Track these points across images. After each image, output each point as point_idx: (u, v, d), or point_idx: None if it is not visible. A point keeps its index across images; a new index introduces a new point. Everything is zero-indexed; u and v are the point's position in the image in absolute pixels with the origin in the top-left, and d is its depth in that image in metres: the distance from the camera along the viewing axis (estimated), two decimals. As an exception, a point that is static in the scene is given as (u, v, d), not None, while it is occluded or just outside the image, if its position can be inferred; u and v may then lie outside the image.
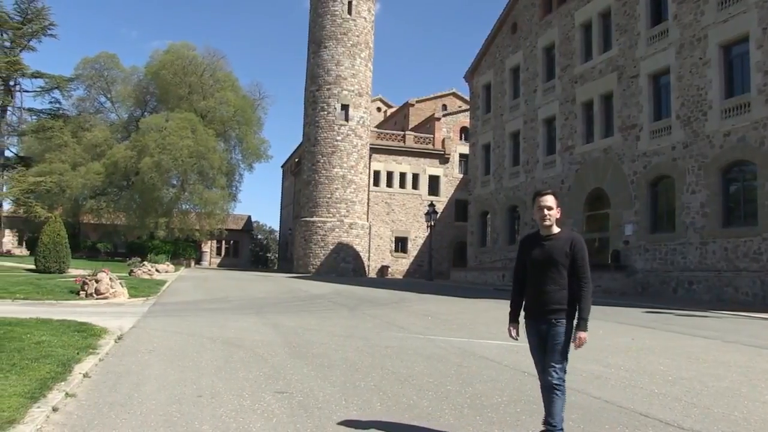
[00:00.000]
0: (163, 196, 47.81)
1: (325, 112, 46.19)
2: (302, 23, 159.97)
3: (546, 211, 4.37)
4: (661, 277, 24.22)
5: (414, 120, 56.46)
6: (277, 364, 7.70)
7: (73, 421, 4.94)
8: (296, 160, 60.74)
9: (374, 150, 49.30)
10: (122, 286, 16.98)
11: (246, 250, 76.03)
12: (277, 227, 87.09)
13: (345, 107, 46.37)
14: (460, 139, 52.33)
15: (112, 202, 49.78)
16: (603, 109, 28.81)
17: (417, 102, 58.25)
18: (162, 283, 23.21)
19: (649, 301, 21.45)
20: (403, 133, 52.60)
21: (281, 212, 75.36)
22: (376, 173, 49.73)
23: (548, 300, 4.29)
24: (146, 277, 26.16)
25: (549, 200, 4.39)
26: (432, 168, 51.67)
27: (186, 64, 49.09)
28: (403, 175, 50.86)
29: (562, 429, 4.28)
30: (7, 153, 47.87)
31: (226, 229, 57.04)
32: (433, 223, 41.47)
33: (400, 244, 50.84)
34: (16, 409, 4.85)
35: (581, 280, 4.32)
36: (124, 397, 5.78)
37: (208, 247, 68.69)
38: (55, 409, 5.14)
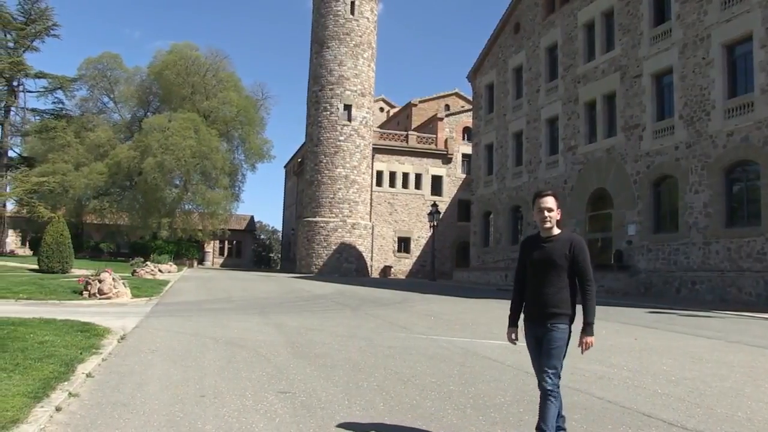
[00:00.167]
0: (166, 196, 47.87)
1: (328, 112, 46.20)
2: (305, 23, 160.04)
3: (546, 213, 4.30)
4: (664, 277, 24.18)
5: (417, 120, 56.45)
6: (280, 364, 7.71)
7: (77, 421, 4.95)
8: (299, 160, 60.80)
9: (377, 150, 49.31)
10: (125, 286, 16.99)
11: (249, 250, 76.10)
12: (279, 227, 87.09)
13: (348, 107, 46.38)
14: (463, 139, 52.31)
15: (115, 202, 49.89)
16: (606, 109, 28.78)
17: (420, 102, 58.25)
18: (165, 283, 23.23)
19: (652, 301, 21.42)
20: (405, 133, 52.59)
21: (284, 212, 75.40)
22: (379, 173, 49.73)
23: (546, 302, 4.22)
24: (149, 277, 26.18)
25: (549, 201, 4.31)
26: (435, 168, 51.66)
27: (189, 65, 49.18)
28: (405, 175, 50.86)
29: None
30: (11, 153, 48.02)
31: (229, 230, 57.14)
32: (435, 224, 41.46)
33: (403, 244, 50.84)
34: (19, 409, 4.86)
35: (584, 282, 4.26)
36: (127, 397, 5.79)
37: (211, 248, 68.76)
38: (58, 409, 5.15)
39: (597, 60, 29.44)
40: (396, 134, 52.70)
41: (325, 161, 45.90)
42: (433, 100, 58.96)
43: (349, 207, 45.74)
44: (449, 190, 51.74)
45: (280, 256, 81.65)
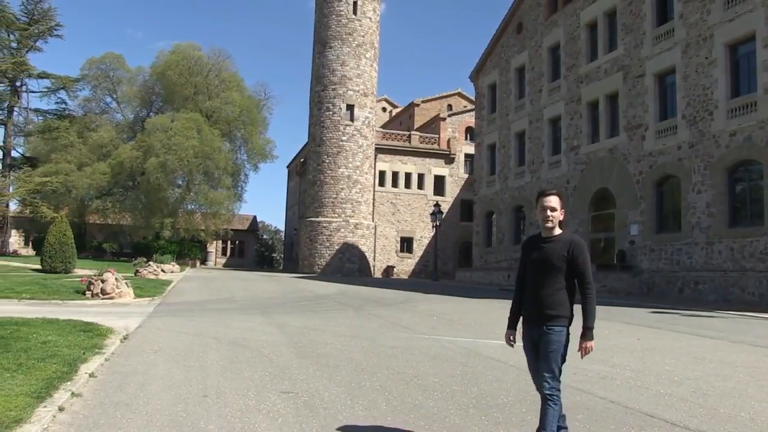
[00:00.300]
0: (168, 196, 47.93)
1: (331, 113, 46.21)
2: (307, 24, 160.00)
3: (549, 212, 4.23)
4: (667, 277, 24.15)
5: (419, 120, 56.45)
6: (283, 364, 7.71)
7: (80, 421, 4.96)
8: (301, 160, 60.84)
9: (379, 150, 49.30)
10: (128, 286, 17.02)
11: (251, 250, 76.16)
12: (282, 227, 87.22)
13: (350, 107, 46.39)
14: (466, 139, 52.29)
15: (117, 202, 49.97)
16: (608, 109, 28.75)
17: (422, 102, 58.26)
18: (167, 283, 23.26)
19: (654, 301, 21.40)
20: (408, 133, 52.57)
21: (287, 212, 75.47)
22: (382, 173, 49.72)
23: (543, 304, 4.14)
24: (152, 277, 26.22)
25: (553, 201, 4.24)
26: (437, 168, 51.64)
27: (191, 65, 49.23)
28: (408, 175, 50.85)
29: None
30: (14, 153, 48.18)
31: (232, 230, 57.16)
32: (438, 223, 41.44)
33: (406, 244, 50.82)
34: (23, 409, 4.88)
35: (583, 285, 4.16)
36: (130, 397, 5.79)
37: (214, 248, 68.85)
38: (61, 409, 5.16)
39: (600, 60, 29.41)
40: (398, 134, 52.69)
41: (327, 161, 45.91)
42: (436, 100, 58.97)
43: (352, 207, 45.74)
44: (452, 190, 51.72)
45: (282, 256, 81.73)
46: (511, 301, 4.54)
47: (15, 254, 46.26)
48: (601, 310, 16.18)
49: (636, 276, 25.45)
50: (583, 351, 4.13)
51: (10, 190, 43.28)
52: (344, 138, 45.94)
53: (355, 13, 46.90)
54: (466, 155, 51.45)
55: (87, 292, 16.22)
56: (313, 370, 7.36)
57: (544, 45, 34.05)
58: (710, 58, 23.16)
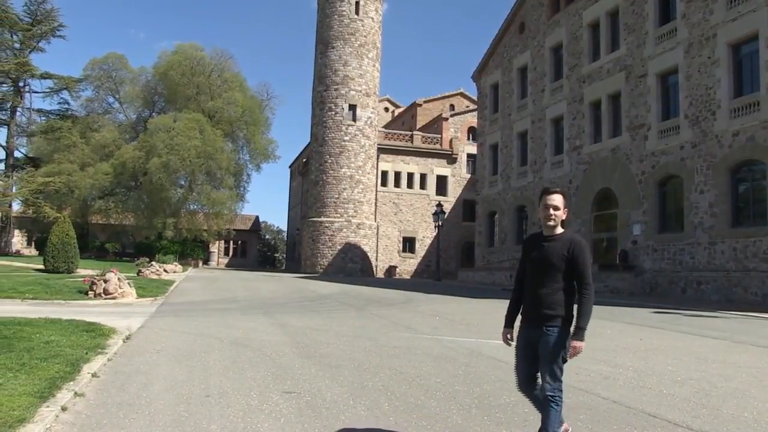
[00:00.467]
0: (171, 196, 47.95)
1: (333, 113, 46.24)
2: (310, 24, 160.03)
3: (552, 211, 4.16)
4: (670, 277, 24.12)
5: (421, 120, 56.45)
6: (285, 364, 7.71)
7: (82, 421, 4.97)
8: (304, 160, 60.84)
9: (382, 150, 49.32)
10: (130, 286, 17.03)
11: (254, 250, 76.20)
12: (284, 227, 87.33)
13: (352, 107, 46.41)
14: (468, 139, 52.29)
15: (120, 202, 49.99)
16: (611, 109, 28.73)
17: (424, 102, 58.26)
18: (170, 283, 23.27)
19: (657, 301, 21.37)
20: (410, 133, 52.57)
21: (289, 212, 75.49)
22: (384, 173, 49.73)
23: (541, 304, 4.09)
24: (154, 277, 26.25)
25: (556, 199, 4.18)
26: (440, 168, 51.64)
27: (194, 65, 49.23)
28: (410, 175, 50.85)
29: None
30: (17, 154, 48.19)
31: (234, 230, 57.17)
32: (440, 223, 41.44)
33: (408, 244, 50.83)
34: (26, 409, 4.88)
35: (581, 285, 4.08)
36: (133, 397, 5.80)
37: (216, 248, 68.91)
38: (64, 409, 5.17)
39: (602, 60, 29.38)
40: (401, 134, 52.70)
41: (330, 161, 45.93)
42: (438, 100, 58.96)
43: (354, 207, 45.76)
44: (454, 190, 51.72)
45: (285, 256, 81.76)
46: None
47: (18, 254, 46.34)
48: (603, 310, 16.20)
49: (638, 276, 25.42)
50: (572, 351, 4.02)
51: (13, 191, 43.32)
52: (346, 138, 45.96)
53: (357, 13, 46.93)
54: (469, 155, 51.45)
55: (90, 292, 16.23)
56: (316, 370, 7.37)
57: (547, 45, 34.03)
58: (713, 57, 23.13)
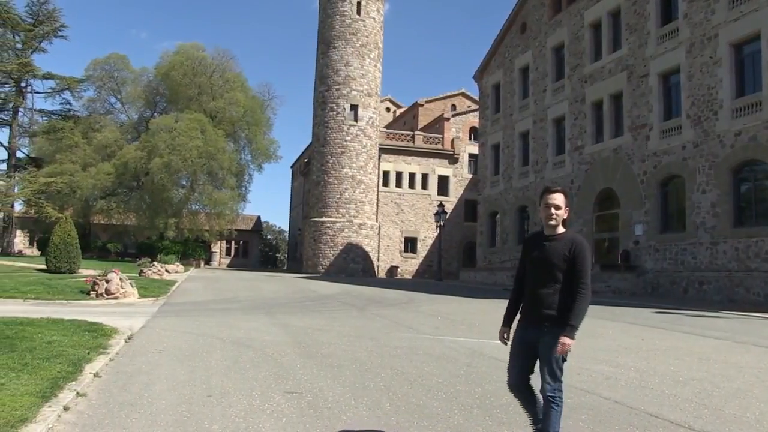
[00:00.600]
0: (172, 196, 47.97)
1: (335, 113, 46.24)
2: (311, 24, 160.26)
3: (553, 210, 4.10)
4: (672, 278, 24.10)
5: (423, 120, 56.43)
6: (287, 364, 7.71)
7: (84, 421, 4.97)
8: (305, 160, 60.83)
9: (383, 150, 49.32)
10: (132, 287, 17.05)
11: (255, 250, 76.18)
12: (286, 227, 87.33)
13: (354, 107, 46.41)
14: (470, 139, 52.28)
15: (122, 202, 50.03)
16: (613, 109, 28.71)
17: (426, 102, 58.22)
18: (171, 283, 23.29)
19: (659, 301, 21.35)
20: (412, 133, 52.59)
21: (291, 212, 75.49)
22: (386, 173, 49.74)
23: (541, 304, 4.04)
24: (156, 277, 26.25)
25: (558, 199, 4.11)
26: (441, 168, 51.63)
27: (195, 65, 49.24)
28: (412, 176, 50.86)
29: None
30: (19, 154, 48.32)
31: (236, 230, 57.18)
32: (442, 224, 41.43)
33: (410, 244, 50.82)
34: (28, 408, 4.89)
35: (578, 284, 3.97)
36: (135, 397, 5.81)
37: (218, 248, 68.89)
38: (66, 409, 5.17)
39: (604, 60, 29.36)
40: (402, 134, 52.70)
41: (331, 161, 45.94)
42: (440, 100, 58.92)
43: (356, 207, 45.77)
44: (456, 190, 51.71)
45: (286, 256, 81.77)
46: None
47: (20, 254, 46.39)
48: (605, 310, 16.18)
49: (640, 276, 25.40)
50: (560, 347, 3.91)
51: (16, 191, 43.42)
52: (348, 138, 45.97)
53: (358, 13, 46.93)
54: (470, 155, 51.45)
55: (91, 292, 16.25)
56: (317, 370, 7.37)
57: (548, 45, 34.02)
58: (715, 57, 23.10)
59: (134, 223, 50.61)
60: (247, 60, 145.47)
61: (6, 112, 47.16)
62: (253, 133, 51.90)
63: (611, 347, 9.60)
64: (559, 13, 33.39)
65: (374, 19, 47.86)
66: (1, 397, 5.13)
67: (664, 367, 8.02)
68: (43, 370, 6.35)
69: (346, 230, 45.30)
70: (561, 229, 4.17)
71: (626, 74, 27.65)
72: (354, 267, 44.80)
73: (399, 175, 50.41)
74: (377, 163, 48.11)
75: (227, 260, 71.67)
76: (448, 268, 46.59)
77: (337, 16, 46.83)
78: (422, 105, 58.02)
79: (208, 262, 60.73)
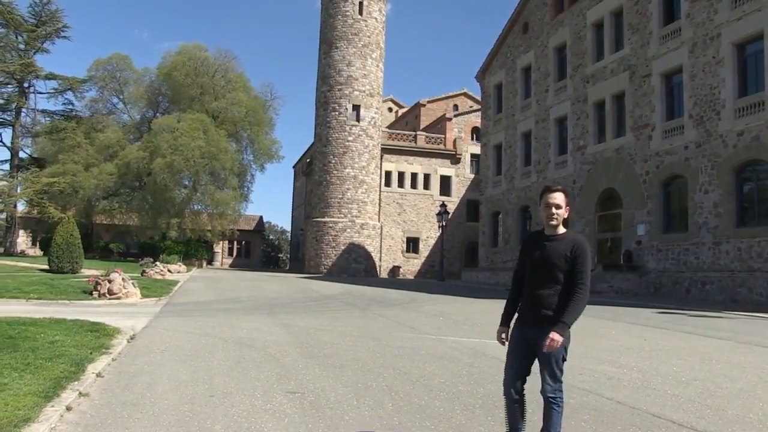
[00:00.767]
0: (175, 196, 48.02)
1: (337, 113, 46.26)
2: (313, 24, 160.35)
3: (554, 210, 4.01)
4: (674, 278, 24.07)
5: (425, 120, 56.43)
6: (289, 364, 7.72)
7: (87, 420, 4.98)
8: (308, 160, 60.86)
9: (385, 150, 49.33)
10: (135, 287, 17.06)
11: (258, 250, 76.24)
12: (288, 228, 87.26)
13: (356, 108, 46.43)
14: (472, 139, 52.27)
15: (124, 202, 50.12)
16: (615, 109, 28.68)
17: (428, 102, 58.19)
18: (174, 283, 23.31)
19: (661, 301, 21.32)
20: (414, 133, 52.58)
21: (293, 213, 75.48)
22: (388, 173, 49.75)
23: (541, 304, 3.98)
24: (158, 277, 26.26)
25: (558, 198, 4.02)
26: (443, 168, 51.62)
27: (198, 65, 49.31)
28: (414, 176, 50.86)
29: None
30: (21, 154, 48.42)
31: (238, 230, 57.26)
32: (444, 224, 41.41)
33: (412, 244, 50.82)
34: (30, 408, 4.90)
35: (576, 283, 3.92)
36: (137, 397, 5.81)
37: (220, 248, 68.94)
38: (68, 408, 5.18)
39: (606, 59, 29.33)
40: (404, 134, 52.70)
41: (333, 161, 45.96)
42: (442, 100, 58.90)
43: (358, 207, 45.78)
44: (458, 190, 51.70)
45: (288, 256, 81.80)
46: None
47: (22, 254, 46.48)
48: (607, 311, 16.17)
49: (643, 276, 25.37)
50: (549, 342, 3.83)
51: (18, 191, 43.48)
52: (350, 138, 45.99)
53: (360, 13, 46.94)
54: (472, 155, 51.43)
55: (94, 293, 16.27)
56: (320, 370, 7.37)
57: (550, 45, 33.99)
58: (717, 57, 23.07)
59: (137, 223, 50.68)
60: (249, 60, 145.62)
61: (9, 113, 47.26)
62: (255, 133, 51.94)
63: (614, 347, 9.59)
64: (561, 13, 33.37)
65: (376, 19, 47.87)
66: (4, 397, 5.15)
67: (666, 368, 8.01)
68: (45, 370, 6.36)
69: (349, 230, 45.31)
70: (562, 229, 4.10)
71: (628, 74, 27.63)
72: (356, 267, 44.81)
73: (401, 175, 50.40)
74: (379, 163, 48.12)
75: (230, 260, 71.72)
76: (450, 269, 46.55)
77: (339, 17, 46.85)
78: (424, 105, 58.01)
79: (210, 262, 60.79)
